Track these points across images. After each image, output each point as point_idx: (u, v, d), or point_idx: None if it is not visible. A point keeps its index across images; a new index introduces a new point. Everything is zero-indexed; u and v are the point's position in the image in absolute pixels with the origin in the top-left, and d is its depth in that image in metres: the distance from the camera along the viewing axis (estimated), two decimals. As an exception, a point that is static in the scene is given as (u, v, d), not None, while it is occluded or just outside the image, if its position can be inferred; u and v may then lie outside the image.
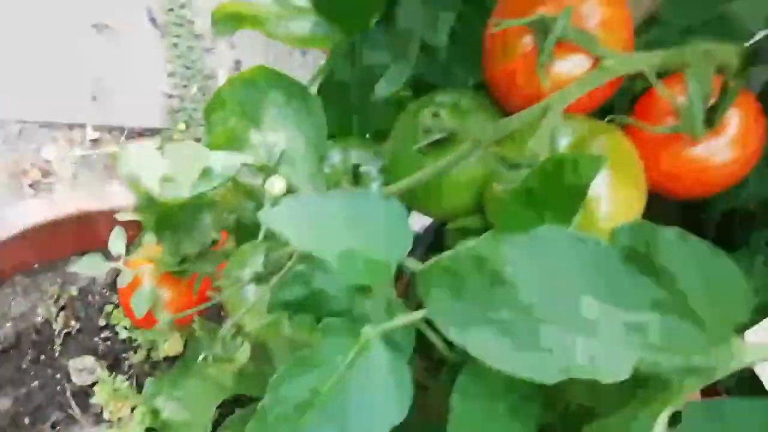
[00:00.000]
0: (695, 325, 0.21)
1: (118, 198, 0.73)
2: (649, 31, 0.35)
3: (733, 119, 0.29)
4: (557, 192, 0.26)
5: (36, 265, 0.76)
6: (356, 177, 0.38)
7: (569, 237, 0.22)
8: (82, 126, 1.24)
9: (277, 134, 0.37)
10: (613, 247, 0.22)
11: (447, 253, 0.23)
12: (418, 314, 0.23)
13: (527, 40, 0.31)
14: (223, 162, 0.33)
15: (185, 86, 1.38)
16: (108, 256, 0.45)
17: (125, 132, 1.27)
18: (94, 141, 1.24)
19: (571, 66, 0.30)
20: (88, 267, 0.41)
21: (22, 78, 1.24)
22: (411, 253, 0.27)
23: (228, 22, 0.52)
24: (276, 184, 0.35)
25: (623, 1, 0.31)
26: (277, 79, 0.38)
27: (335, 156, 0.39)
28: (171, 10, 1.42)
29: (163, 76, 1.36)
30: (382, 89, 0.34)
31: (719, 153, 0.29)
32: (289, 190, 0.37)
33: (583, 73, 0.29)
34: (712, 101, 0.29)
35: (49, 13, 1.35)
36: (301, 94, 0.37)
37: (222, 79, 1.35)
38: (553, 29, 0.29)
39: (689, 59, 0.29)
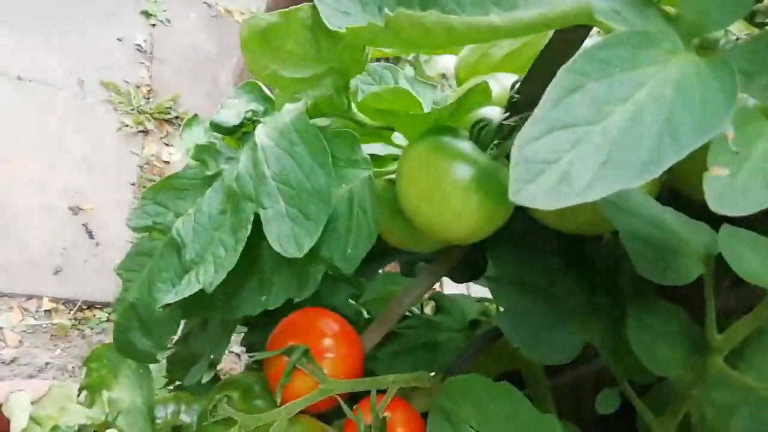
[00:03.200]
0: None
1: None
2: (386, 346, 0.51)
3: (402, 435, 0.43)
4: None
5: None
6: (176, 430, 0.51)
7: None
8: (40, 297, 1.38)
9: (122, 393, 0.51)
10: None
11: None
12: None
13: (282, 360, 0.46)
14: (68, 418, 0.47)
15: (142, 266, 1.53)
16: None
17: (77, 304, 1.41)
18: (47, 311, 1.37)
19: (303, 384, 0.44)
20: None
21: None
22: None
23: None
24: (111, 435, 0.48)
25: (353, 339, 0.47)
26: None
27: (167, 410, 0.52)
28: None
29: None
30: (191, 378, 0.49)
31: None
32: (124, 438, 0.50)
33: (309, 392, 0.44)
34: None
35: (31, 194, 1.53)
36: (145, 367, 0.51)
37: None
38: (291, 359, 0.44)
39: (371, 387, 0.43)
